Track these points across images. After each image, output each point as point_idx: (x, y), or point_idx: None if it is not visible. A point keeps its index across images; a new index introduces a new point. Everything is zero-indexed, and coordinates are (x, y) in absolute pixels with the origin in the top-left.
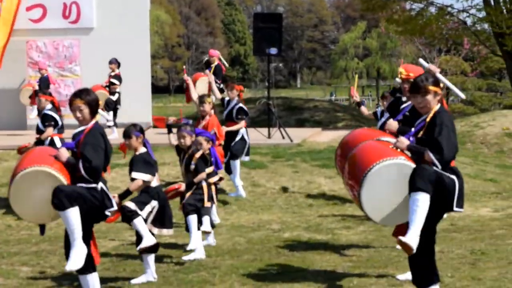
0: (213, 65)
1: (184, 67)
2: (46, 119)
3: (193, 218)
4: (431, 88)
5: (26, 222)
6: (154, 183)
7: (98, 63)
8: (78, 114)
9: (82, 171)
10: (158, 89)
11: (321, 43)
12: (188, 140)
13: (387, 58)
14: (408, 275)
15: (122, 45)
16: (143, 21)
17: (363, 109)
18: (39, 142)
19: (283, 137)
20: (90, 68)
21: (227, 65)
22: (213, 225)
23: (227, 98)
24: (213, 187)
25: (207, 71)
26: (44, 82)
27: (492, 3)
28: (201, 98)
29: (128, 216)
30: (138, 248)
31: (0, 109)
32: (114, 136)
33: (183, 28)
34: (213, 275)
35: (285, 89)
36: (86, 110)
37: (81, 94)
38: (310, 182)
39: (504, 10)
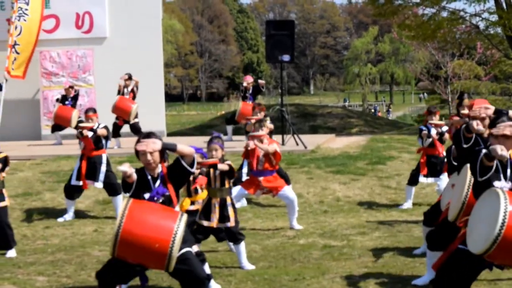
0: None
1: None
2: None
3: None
4: None
5: (41, 232)
6: None
7: (112, 73)
8: None
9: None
10: (171, 98)
11: (333, 49)
12: (219, 153)
13: (400, 63)
14: (423, 280)
15: (135, 54)
16: (156, 30)
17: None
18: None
19: (297, 144)
20: (104, 77)
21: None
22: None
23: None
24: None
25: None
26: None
27: (505, 6)
28: (260, 123)
29: None
30: None
31: (15, 120)
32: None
33: (196, 36)
34: (229, 282)
35: (298, 96)
36: None
37: None
38: (324, 188)
39: None
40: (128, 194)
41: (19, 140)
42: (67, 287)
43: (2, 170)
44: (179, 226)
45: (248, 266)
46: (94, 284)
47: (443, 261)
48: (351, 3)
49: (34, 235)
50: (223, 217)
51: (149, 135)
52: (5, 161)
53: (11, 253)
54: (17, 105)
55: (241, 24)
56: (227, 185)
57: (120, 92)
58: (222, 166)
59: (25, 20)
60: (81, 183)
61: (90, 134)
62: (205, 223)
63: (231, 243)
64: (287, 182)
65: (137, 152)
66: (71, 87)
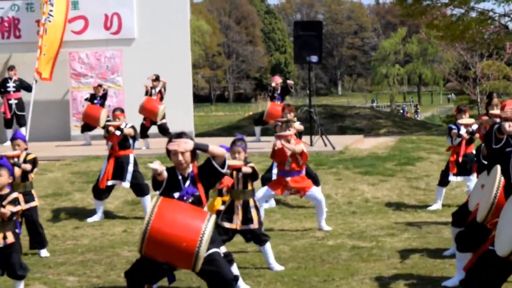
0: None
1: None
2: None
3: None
4: None
5: (71, 232)
6: None
7: (140, 74)
8: None
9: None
10: (199, 98)
11: (361, 49)
12: (242, 155)
13: (428, 63)
14: (453, 281)
15: (164, 55)
16: (184, 31)
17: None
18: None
19: (325, 145)
20: (132, 78)
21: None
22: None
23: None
24: None
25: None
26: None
27: None
28: (287, 123)
29: None
30: None
31: (44, 121)
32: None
33: (223, 37)
34: (258, 283)
35: (326, 97)
36: None
37: None
38: (353, 189)
39: None
40: (157, 192)
41: (49, 141)
42: (97, 287)
43: (31, 171)
44: (207, 226)
45: (277, 267)
46: (124, 285)
47: (473, 262)
48: (379, 4)
49: (64, 236)
50: (246, 219)
51: (181, 135)
52: (34, 162)
53: (44, 252)
54: (47, 106)
55: (268, 25)
56: (250, 187)
57: (147, 93)
58: (246, 169)
59: (49, 21)
60: (109, 183)
61: (117, 133)
62: (227, 225)
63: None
64: (317, 183)
65: (168, 152)
66: (100, 85)
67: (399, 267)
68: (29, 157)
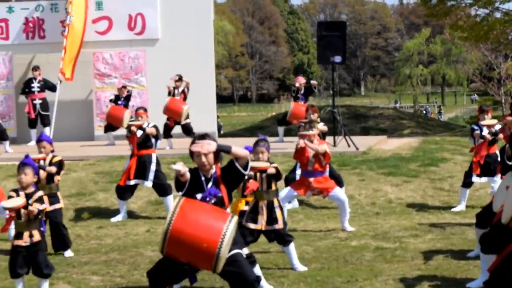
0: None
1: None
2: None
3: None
4: None
5: (95, 232)
6: None
7: (164, 74)
8: None
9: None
10: (222, 99)
11: (384, 50)
12: (265, 156)
13: (452, 64)
14: (478, 283)
15: (187, 56)
16: (208, 31)
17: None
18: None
19: (349, 145)
20: (156, 78)
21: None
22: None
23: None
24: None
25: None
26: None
27: None
28: (311, 123)
29: None
30: None
31: (68, 121)
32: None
33: (246, 37)
34: (281, 284)
35: (349, 97)
36: None
37: None
38: (376, 190)
39: None
40: (180, 193)
41: (72, 141)
42: (120, 287)
43: (57, 173)
44: (229, 227)
45: (300, 267)
46: (147, 285)
47: (497, 263)
48: (403, 4)
49: (87, 235)
50: (271, 220)
51: (204, 136)
52: (60, 164)
53: (68, 253)
54: (71, 106)
55: (291, 25)
56: (273, 188)
57: (170, 94)
58: (270, 170)
59: (70, 22)
60: (132, 182)
61: (139, 132)
62: (252, 225)
63: (281, 245)
64: (340, 184)
65: (191, 153)
66: (124, 87)
67: (423, 268)
68: (55, 159)
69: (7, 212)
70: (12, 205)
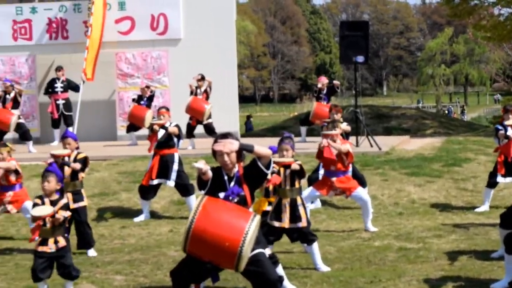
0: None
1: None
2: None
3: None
4: None
5: (118, 232)
6: None
7: (186, 74)
8: None
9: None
10: (244, 99)
11: (407, 50)
12: (290, 153)
13: (475, 64)
14: (502, 284)
15: (210, 56)
16: (230, 31)
17: None
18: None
19: (371, 145)
20: (178, 78)
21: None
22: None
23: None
24: None
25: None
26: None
27: None
28: (334, 123)
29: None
30: None
31: (92, 121)
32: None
33: (268, 37)
34: (304, 284)
35: (371, 97)
36: None
37: None
38: (399, 190)
39: None
40: (203, 192)
41: (95, 140)
42: (144, 286)
43: (82, 170)
44: (251, 227)
45: (323, 267)
46: (170, 284)
47: None
48: (425, 4)
49: (111, 235)
50: (295, 218)
51: (226, 135)
52: (85, 161)
53: (92, 252)
54: (93, 106)
55: (313, 25)
56: (297, 185)
57: (192, 93)
58: (295, 166)
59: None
60: (154, 182)
61: (162, 132)
62: (276, 224)
63: (304, 244)
64: (363, 184)
65: (214, 152)
66: (148, 87)
67: (446, 269)
68: (80, 156)
69: (28, 215)
70: (40, 213)
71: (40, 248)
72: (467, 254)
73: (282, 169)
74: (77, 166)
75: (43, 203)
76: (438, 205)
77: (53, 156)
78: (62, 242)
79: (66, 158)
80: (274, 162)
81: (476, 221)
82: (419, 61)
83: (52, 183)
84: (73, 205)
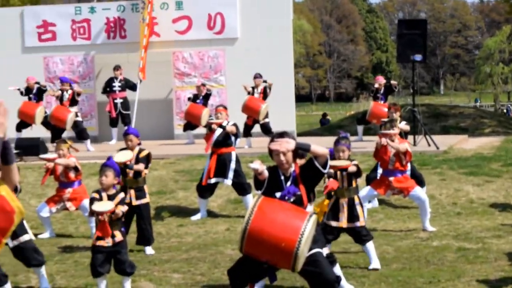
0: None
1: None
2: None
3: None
4: None
5: (175, 230)
6: None
7: (243, 73)
8: None
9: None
10: (300, 98)
11: (464, 48)
12: (346, 154)
13: None
14: None
15: (266, 55)
16: (287, 30)
17: None
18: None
19: (429, 145)
20: (235, 78)
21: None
22: None
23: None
24: None
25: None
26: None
27: None
28: (391, 122)
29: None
30: None
31: (149, 120)
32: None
33: (324, 36)
34: (362, 283)
35: (428, 96)
36: None
37: None
38: (457, 190)
39: None
40: (259, 192)
41: (153, 139)
42: (201, 285)
43: (146, 167)
44: (307, 226)
45: (374, 265)
46: (228, 283)
47: None
48: (483, 2)
49: (168, 233)
50: (352, 217)
51: (283, 134)
52: (148, 158)
53: (149, 250)
54: (151, 105)
55: (370, 24)
56: (354, 185)
57: (249, 94)
58: (351, 168)
59: (143, 21)
60: (212, 180)
61: (219, 131)
62: (334, 223)
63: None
64: (422, 183)
65: (270, 151)
66: (203, 84)
67: (506, 270)
68: (142, 154)
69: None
70: (102, 209)
71: (98, 243)
72: None
73: (339, 171)
74: (141, 167)
75: (100, 198)
76: (497, 205)
77: (42, 159)
78: (119, 236)
79: (128, 162)
80: (331, 166)
81: None
82: (477, 60)
83: (110, 178)
84: (135, 202)
